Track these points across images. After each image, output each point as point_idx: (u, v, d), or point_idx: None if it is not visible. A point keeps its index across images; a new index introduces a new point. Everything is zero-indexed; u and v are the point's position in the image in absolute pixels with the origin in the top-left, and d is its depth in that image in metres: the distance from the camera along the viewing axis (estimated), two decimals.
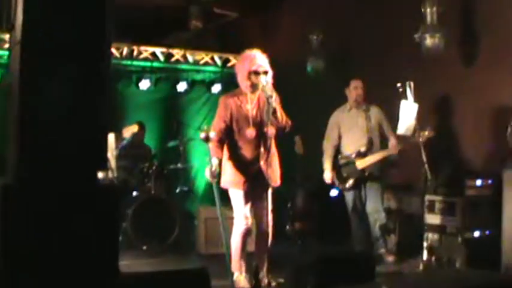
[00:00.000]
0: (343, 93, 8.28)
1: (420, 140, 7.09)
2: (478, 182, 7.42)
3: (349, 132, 8.03)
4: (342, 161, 8.00)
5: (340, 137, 8.11)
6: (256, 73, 6.10)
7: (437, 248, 7.37)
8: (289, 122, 6.26)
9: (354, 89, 8.01)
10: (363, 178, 7.84)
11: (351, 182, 7.90)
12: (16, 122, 3.47)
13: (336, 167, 8.03)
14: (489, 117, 7.85)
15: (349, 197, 7.99)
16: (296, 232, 9.18)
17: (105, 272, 3.65)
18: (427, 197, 7.50)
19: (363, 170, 7.81)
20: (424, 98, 7.37)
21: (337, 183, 8.02)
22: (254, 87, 6.16)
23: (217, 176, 6.15)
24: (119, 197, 3.89)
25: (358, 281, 5.48)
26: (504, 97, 7.50)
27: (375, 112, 7.91)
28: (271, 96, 5.90)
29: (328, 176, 8.05)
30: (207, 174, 6.11)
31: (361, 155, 7.82)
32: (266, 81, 6.05)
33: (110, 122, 3.99)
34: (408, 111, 7.13)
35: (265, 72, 6.12)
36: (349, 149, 7.99)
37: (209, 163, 6.09)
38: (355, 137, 7.95)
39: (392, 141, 7.83)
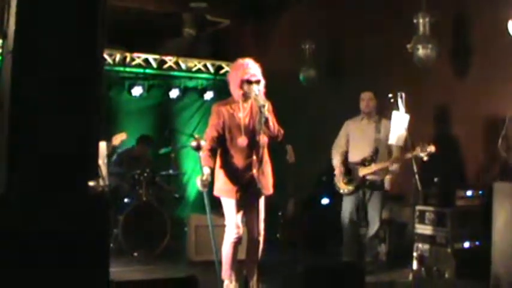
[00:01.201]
0: (335, 103, 8.29)
1: (421, 154, 7.07)
2: (469, 193, 7.46)
3: (357, 141, 8.04)
4: (346, 167, 8.01)
5: (347, 145, 8.11)
6: (249, 82, 6.06)
7: (427, 258, 7.39)
8: (282, 131, 6.24)
9: (362, 101, 8.00)
10: (363, 185, 7.85)
11: (350, 187, 7.91)
12: (6, 131, 3.46)
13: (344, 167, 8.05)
14: (481, 128, 7.88)
15: (346, 202, 8.00)
16: (287, 241, 9.19)
17: (95, 281, 3.65)
18: (418, 208, 7.53)
19: (364, 178, 7.81)
20: (415, 108, 7.39)
21: (338, 187, 8.01)
22: (246, 96, 6.14)
23: (209, 185, 6.12)
24: (109, 206, 3.89)
25: None
26: (496, 108, 7.53)
27: (385, 124, 7.84)
28: (263, 106, 5.88)
29: (337, 172, 8.04)
30: (198, 184, 6.07)
31: (365, 163, 7.83)
32: (258, 90, 6.04)
33: (102, 130, 3.98)
34: (399, 122, 7.14)
35: (258, 82, 6.09)
36: (355, 157, 8.00)
37: (200, 172, 6.07)
38: (362, 146, 7.94)
39: (395, 152, 7.81)
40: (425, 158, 7.06)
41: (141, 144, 10.12)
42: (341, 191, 8.00)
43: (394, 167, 7.81)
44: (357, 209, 7.94)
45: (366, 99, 7.98)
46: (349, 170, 7.98)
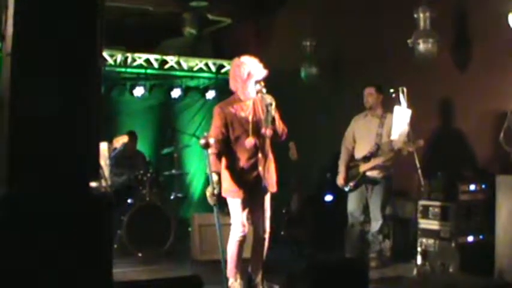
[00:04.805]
0: (337, 99, 8.31)
1: (410, 149, 7.09)
2: (472, 187, 7.44)
3: (361, 137, 8.09)
4: (350, 164, 8.09)
5: (354, 141, 8.14)
6: (259, 81, 6.03)
7: (431, 253, 7.39)
8: (286, 130, 6.23)
9: (364, 97, 8.02)
10: (363, 181, 7.90)
11: (351, 183, 8.00)
12: (7, 133, 3.46)
13: (346, 171, 8.09)
14: (483, 121, 7.87)
15: (349, 198, 8.10)
16: (291, 238, 9.19)
17: (99, 283, 3.65)
18: (421, 202, 7.53)
19: (364, 173, 7.85)
20: (417, 103, 7.39)
21: (343, 186, 8.07)
22: (260, 94, 6.06)
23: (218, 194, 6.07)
24: (112, 206, 3.88)
25: (352, 287, 5.51)
26: (498, 101, 7.52)
27: (389, 119, 7.82)
28: (270, 104, 5.86)
29: (340, 177, 8.14)
30: (208, 196, 6.02)
31: (366, 159, 7.87)
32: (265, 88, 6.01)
33: (103, 131, 3.98)
34: (401, 117, 7.13)
35: (264, 80, 6.07)
36: (359, 153, 8.06)
37: (210, 183, 6.01)
38: (365, 143, 8.00)
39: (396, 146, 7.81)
40: (411, 150, 7.09)
41: (128, 140, 10.03)
42: (343, 187, 8.04)
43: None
44: (360, 206, 7.98)
45: (366, 95, 8.02)
46: (352, 167, 8.01)
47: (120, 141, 9.10)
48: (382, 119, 7.92)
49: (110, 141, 8.77)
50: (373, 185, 7.89)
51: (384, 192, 7.89)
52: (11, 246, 3.41)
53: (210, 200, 6.01)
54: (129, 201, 9.30)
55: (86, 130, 3.68)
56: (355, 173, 7.96)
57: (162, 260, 8.63)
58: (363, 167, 7.87)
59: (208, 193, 6.03)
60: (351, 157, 8.14)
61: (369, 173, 7.87)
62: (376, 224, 7.88)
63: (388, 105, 7.44)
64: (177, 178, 10.42)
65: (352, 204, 8.02)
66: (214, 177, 6.01)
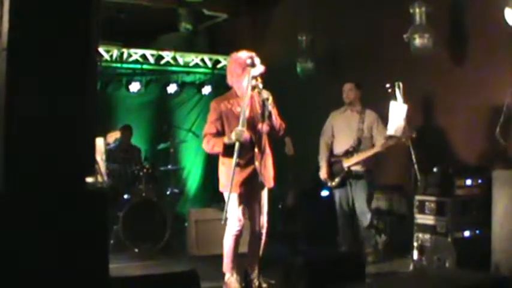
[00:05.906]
0: (333, 94, 8.33)
1: (403, 140, 7.11)
2: (468, 182, 7.43)
3: (341, 132, 8.15)
4: (332, 160, 8.11)
5: (333, 137, 8.18)
6: (255, 77, 6.01)
7: (428, 248, 7.38)
8: (283, 125, 6.23)
9: (344, 92, 8.10)
10: (348, 177, 7.96)
11: (337, 180, 8.06)
12: (2, 129, 3.46)
13: (328, 165, 8.10)
14: (479, 116, 7.86)
15: (336, 195, 8.17)
16: (287, 233, 9.19)
17: (95, 278, 3.64)
18: (417, 197, 7.52)
19: (349, 169, 7.88)
20: (414, 98, 7.38)
21: (327, 181, 8.09)
22: (255, 90, 6.06)
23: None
24: (108, 202, 3.88)
25: (349, 282, 5.51)
26: (494, 96, 7.51)
27: (369, 115, 7.95)
28: (267, 99, 5.86)
29: (322, 172, 8.18)
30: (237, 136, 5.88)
31: (348, 154, 7.93)
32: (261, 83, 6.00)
33: (98, 126, 3.97)
34: (397, 112, 7.13)
35: (261, 75, 6.06)
36: (339, 148, 8.10)
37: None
38: (345, 138, 8.06)
39: (378, 141, 7.83)
40: (404, 140, 7.11)
41: (123, 134, 10.07)
42: (329, 184, 8.10)
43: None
44: (348, 201, 8.01)
45: (346, 90, 8.15)
46: (334, 163, 8.04)
47: (113, 136, 9.13)
48: (362, 114, 8.01)
49: (105, 137, 8.79)
50: (357, 179, 7.96)
51: (368, 185, 7.96)
52: (8, 244, 3.41)
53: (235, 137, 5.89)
54: (125, 196, 9.29)
55: (82, 126, 3.67)
56: (339, 168, 8.00)
57: (158, 256, 8.64)
58: (346, 163, 7.92)
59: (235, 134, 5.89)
60: (331, 152, 8.19)
61: (352, 168, 7.92)
62: (365, 218, 7.92)
63: (384, 100, 7.42)
64: (173, 173, 10.41)
65: (340, 200, 8.07)
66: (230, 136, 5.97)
